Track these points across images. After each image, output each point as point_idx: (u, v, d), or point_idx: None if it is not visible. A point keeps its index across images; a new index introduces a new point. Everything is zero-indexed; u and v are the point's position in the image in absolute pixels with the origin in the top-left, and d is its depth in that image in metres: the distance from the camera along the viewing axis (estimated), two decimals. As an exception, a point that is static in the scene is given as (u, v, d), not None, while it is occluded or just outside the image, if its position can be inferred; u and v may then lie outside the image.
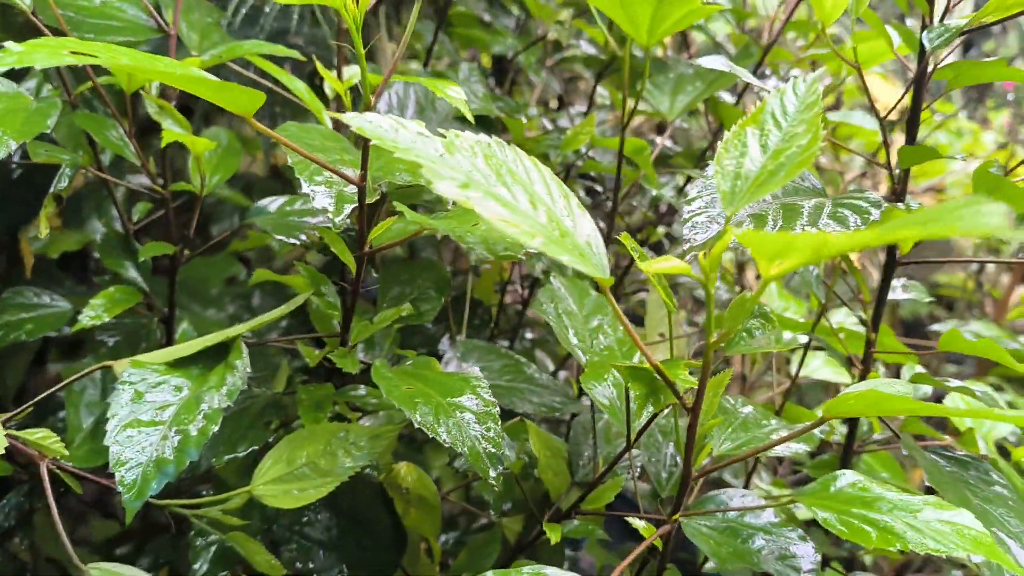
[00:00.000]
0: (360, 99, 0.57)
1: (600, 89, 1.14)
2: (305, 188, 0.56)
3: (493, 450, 0.57)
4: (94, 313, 0.65)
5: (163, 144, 0.61)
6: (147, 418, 0.52)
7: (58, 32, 0.65)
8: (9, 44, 0.40)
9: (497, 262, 1.12)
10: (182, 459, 0.51)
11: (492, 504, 0.72)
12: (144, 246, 0.66)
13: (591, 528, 0.68)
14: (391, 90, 0.87)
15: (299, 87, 0.70)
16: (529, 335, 1.15)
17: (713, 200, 0.49)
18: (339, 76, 0.77)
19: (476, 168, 0.41)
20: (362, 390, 0.68)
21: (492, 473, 0.55)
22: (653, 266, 0.40)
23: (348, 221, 0.56)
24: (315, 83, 0.88)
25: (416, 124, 0.42)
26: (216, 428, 0.53)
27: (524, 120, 0.98)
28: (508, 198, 0.41)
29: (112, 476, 0.65)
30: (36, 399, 0.62)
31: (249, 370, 0.55)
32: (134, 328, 0.73)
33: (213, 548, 0.65)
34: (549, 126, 1.06)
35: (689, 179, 1.00)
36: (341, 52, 0.76)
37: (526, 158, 0.44)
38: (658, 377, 0.50)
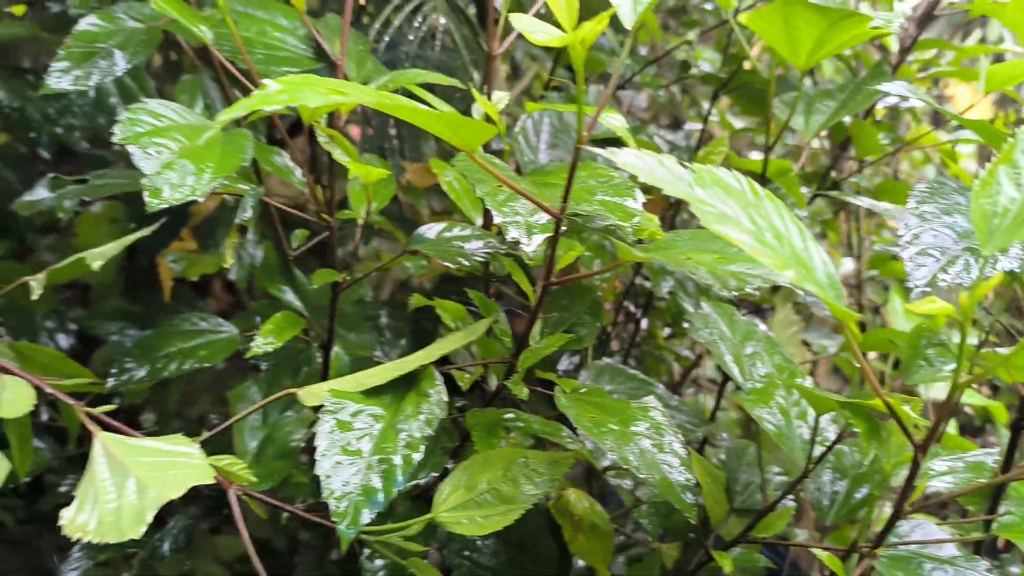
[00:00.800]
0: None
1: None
2: (497, 219, 0.56)
3: (682, 479, 0.57)
4: (266, 340, 0.66)
5: (350, 176, 0.62)
6: (352, 448, 0.53)
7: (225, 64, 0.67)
8: (269, 82, 0.41)
9: (612, 282, 1.12)
10: (390, 488, 0.52)
11: (650, 531, 0.71)
12: (316, 272, 0.67)
13: (756, 557, 0.68)
14: (525, 114, 0.88)
15: (440, 104, 0.70)
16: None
17: (943, 237, 0.49)
18: (489, 97, 0.78)
19: (727, 203, 0.41)
20: (510, 414, 0.68)
21: (689, 500, 0.55)
22: (922, 307, 0.39)
23: (537, 251, 0.56)
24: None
25: (671, 159, 0.42)
26: (419, 456, 0.53)
27: (646, 139, 0.98)
28: (755, 231, 0.41)
29: (284, 499, 0.66)
30: (224, 424, 0.63)
31: (445, 398, 0.56)
32: (291, 353, 0.74)
33: (383, 572, 0.65)
34: (664, 146, 1.06)
35: (814, 198, 1.00)
36: (491, 78, 0.76)
37: (759, 189, 0.44)
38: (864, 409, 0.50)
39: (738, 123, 1.34)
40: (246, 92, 0.75)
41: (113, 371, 0.67)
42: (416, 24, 0.82)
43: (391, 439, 0.54)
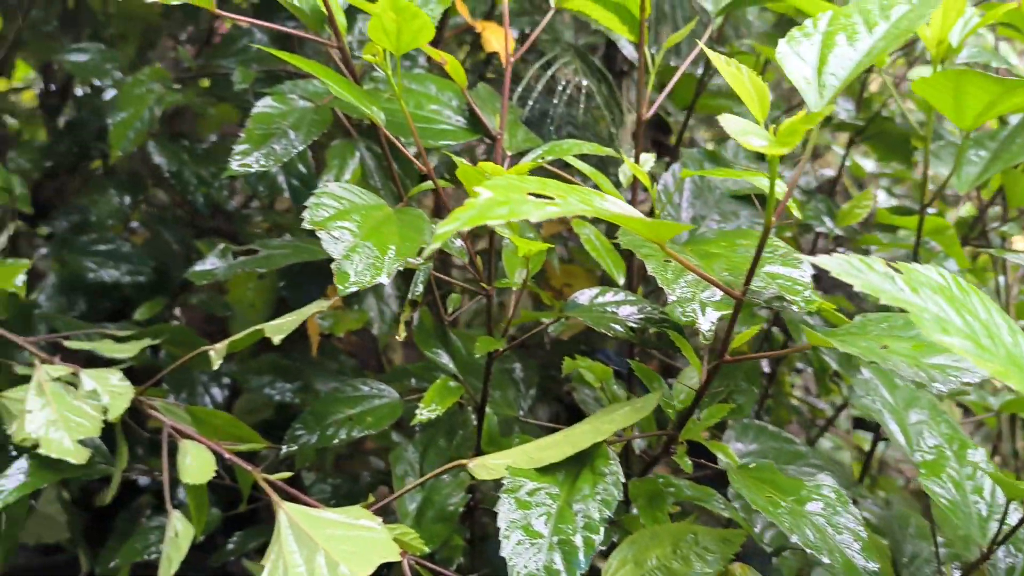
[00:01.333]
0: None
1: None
2: (671, 296, 0.57)
3: (867, 564, 0.56)
4: (430, 408, 0.68)
5: (536, 253, 0.63)
6: (532, 527, 0.53)
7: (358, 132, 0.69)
8: (482, 191, 0.42)
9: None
10: (572, 570, 0.52)
11: (812, 603, 0.70)
12: (479, 340, 0.68)
13: (928, 635, 0.65)
14: (668, 172, 0.88)
15: (605, 183, 0.71)
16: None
17: None
18: (636, 160, 0.78)
19: (939, 305, 0.40)
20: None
21: (873, 587, 0.54)
22: None
23: (712, 329, 0.56)
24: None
25: (879, 262, 0.41)
26: (599, 539, 0.53)
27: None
28: (969, 333, 0.40)
29: (442, 561, 0.67)
30: (392, 497, 0.65)
31: (623, 479, 0.56)
32: (446, 416, 0.75)
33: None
34: (796, 192, 1.04)
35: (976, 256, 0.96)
36: (639, 140, 0.77)
37: (963, 283, 0.43)
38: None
39: (867, 165, 1.31)
40: (403, 162, 0.77)
41: (285, 438, 0.69)
42: (560, 87, 0.83)
43: (569, 519, 0.54)
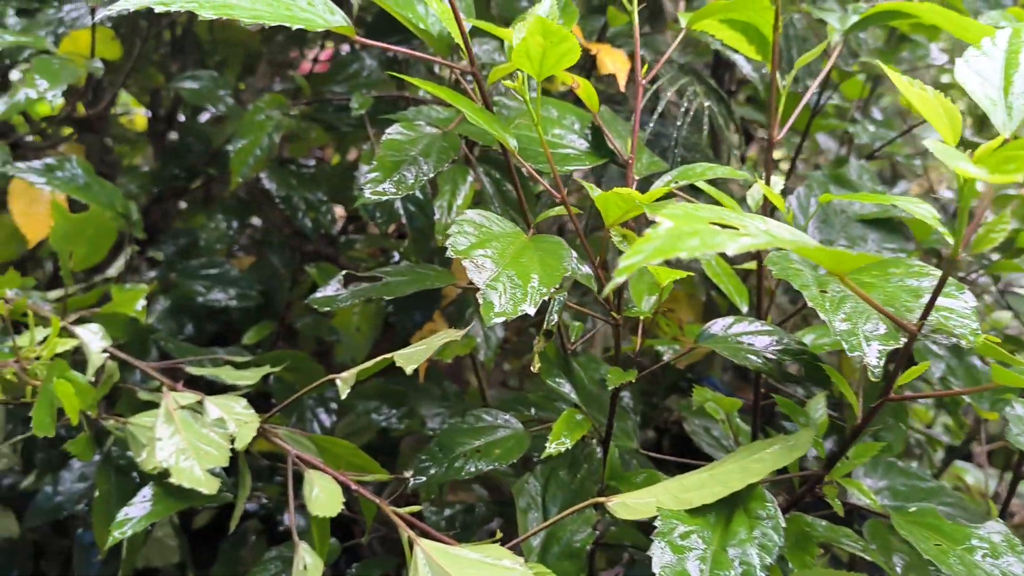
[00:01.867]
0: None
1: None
2: (836, 327, 0.54)
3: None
4: (559, 442, 0.66)
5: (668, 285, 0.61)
6: (688, 572, 0.51)
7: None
8: (662, 221, 0.40)
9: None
10: (732, 620, 0.49)
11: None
12: (610, 371, 0.66)
13: None
14: (792, 195, 0.85)
15: (735, 207, 0.68)
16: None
17: None
18: (767, 182, 0.75)
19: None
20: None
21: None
22: None
23: (880, 365, 0.53)
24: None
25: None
26: (760, 587, 0.50)
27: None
28: None
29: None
30: (522, 538, 0.63)
31: (783, 523, 0.53)
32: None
33: None
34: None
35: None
36: (769, 163, 0.74)
37: None
38: None
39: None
40: (520, 186, 0.76)
41: (412, 471, 0.68)
42: (683, 108, 0.81)
43: (725, 564, 0.51)
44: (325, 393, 0.97)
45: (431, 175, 0.66)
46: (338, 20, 0.58)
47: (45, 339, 0.75)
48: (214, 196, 1.16)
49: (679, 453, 1.18)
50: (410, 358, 0.65)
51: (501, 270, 0.56)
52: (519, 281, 0.55)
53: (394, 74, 0.65)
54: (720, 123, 0.82)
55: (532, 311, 0.54)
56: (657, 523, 0.53)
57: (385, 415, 0.94)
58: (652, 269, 0.63)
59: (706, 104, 0.82)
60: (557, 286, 0.55)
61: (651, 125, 0.82)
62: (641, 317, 0.71)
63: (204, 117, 1.26)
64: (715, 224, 0.41)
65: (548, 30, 0.53)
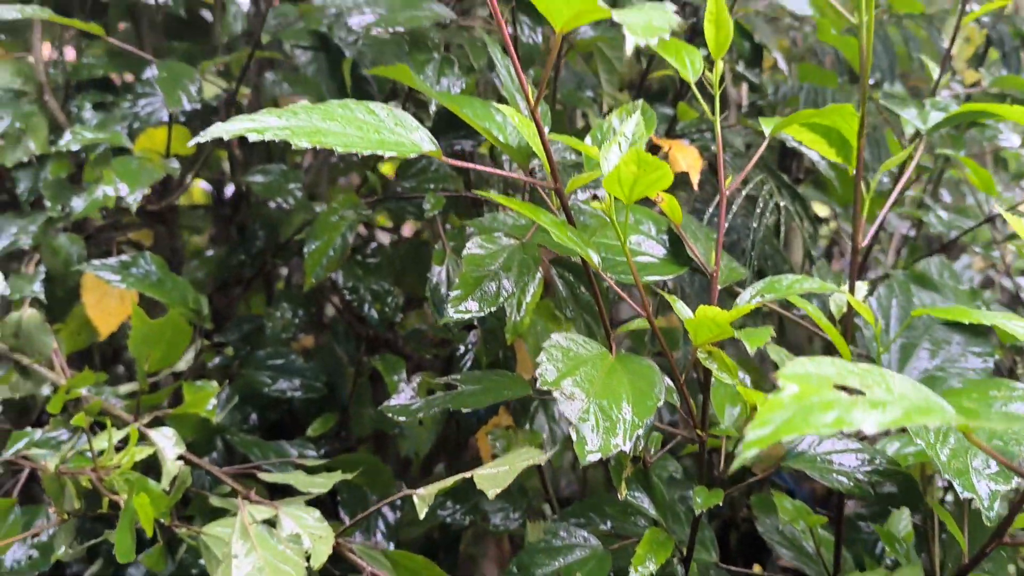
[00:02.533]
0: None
1: None
2: (945, 463, 0.51)
3: None
4: (644, 567, 0.63)
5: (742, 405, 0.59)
6: None
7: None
8: (787, 388, 0.38)
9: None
10: None
11: None
12: (697, 491, 0.64)
13: None
14: (872, 297, 0.83)
15: (824, 321, 0.67)
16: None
17: None
18: (852, 290, 0.73)
19: None
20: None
21: None
22: None
23: (995, 508, 0.50)
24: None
25: None
26: None
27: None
28: None
29: None
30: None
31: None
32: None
33: None
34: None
35: None
36: (854, 270, 0.72)
37: None
38: None
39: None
40: (599, 294, 0.75)
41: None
42: (759, 209, 0.80)
43: None
44: (390, 490, 0.96)
45: (512, 291, 0.65)
46: (427, 144, 0.58)
47: (122, 442, 0.75)
48: (275, 283, 1.17)
49: (749, 550, 1.14)
50: (492, 480, 0.63)
51: (591, 400, 0.55)
52: (613, 411, 0.54)
53: (480, 192, 0.65)
54: (799, 223, 0.80)
55: (627, 448, 0.52)
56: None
57: (450, 510, 0.93)
58: (741, 390, 0.62)
59: (782, 204, 0.80)
60: (651, 418, 0.54)
61: (725, 225, 0.81)
62: (726, 436, 0.69)
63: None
64: (839, 387, 0.40)
65: (643, 161, 0.52)
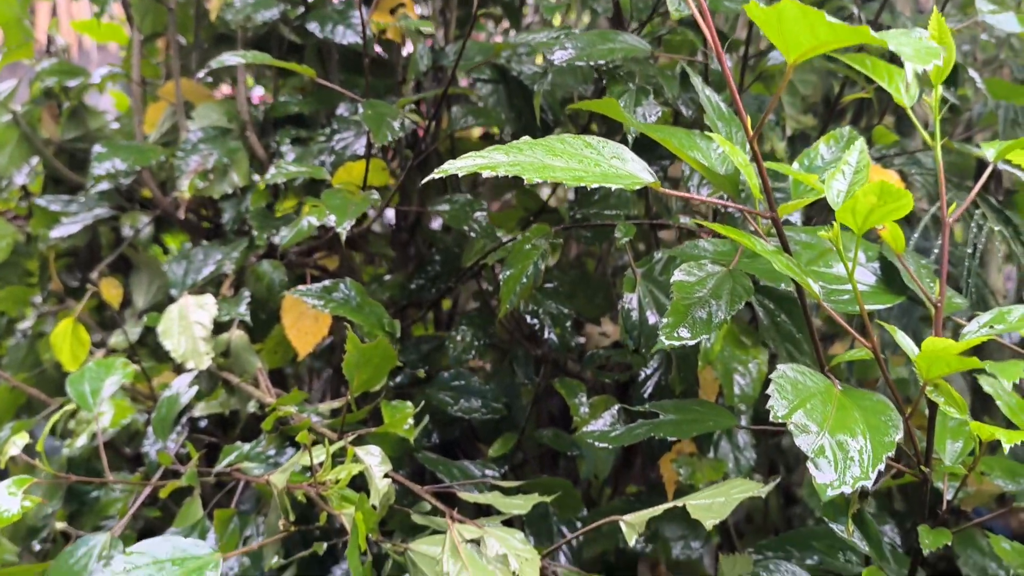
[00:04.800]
0: None
1: None
2: None
3: None
4: None
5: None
6: None
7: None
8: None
9: None
10: None
11: None
12: (922, 530, 0.62)
13: None
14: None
15: None
16: None
17: None
18: None
19: None
20: None
21: None
22: None
23: None
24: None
25: None
26: None
27: None
28: None
29: None
30: None
31: None
32: None
33: None
34: None
35: None
36: None
37: None
38: None
39: None
40: (797, 320, 0.73)
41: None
42: (971, 235, 0.76)
43: None
44: (577, 513, 0.97)
45: (723, 317, 0.65)
46: (646, 176, 0.59)
47: (335, 460, 0.79)
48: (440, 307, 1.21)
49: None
50: (708, 511, 0.63)
51: (826, 435, 0.54)
52: (849, 447, 0.53)
53: (691, 221, 0.65)
54: (1014, 246, 0.76)
55: (870, 484, 0.51)
56: None
57: (637, 540, 0.93)
58: (973, 425, 0.59)
59: (996, 228, 0.77)
60: (891, 454, 0.52)
61: (935, 252, 0.78)
62: (947, 473, 0.66)
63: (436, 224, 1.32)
64: None
65: (886, 192, 0.51)
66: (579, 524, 0.97)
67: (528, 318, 0.99)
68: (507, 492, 0.81)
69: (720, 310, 0.65)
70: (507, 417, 1.06)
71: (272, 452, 0.90)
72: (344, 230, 0.85)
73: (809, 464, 0.52)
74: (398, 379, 1.11)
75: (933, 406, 0.62)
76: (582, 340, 1.18)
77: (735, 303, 0.65)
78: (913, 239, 0.81)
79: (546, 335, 1.00)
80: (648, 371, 0.95)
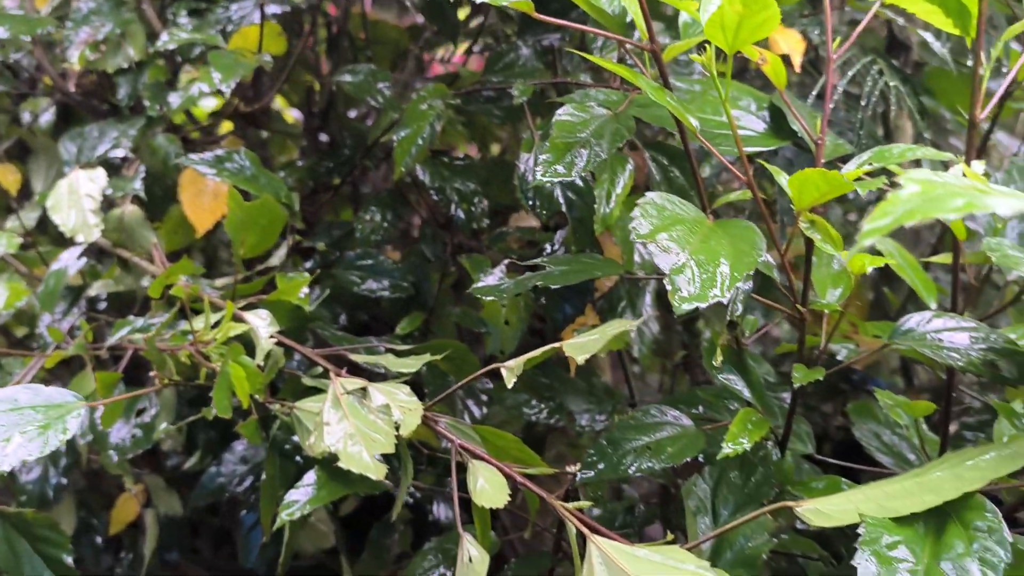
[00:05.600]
0: None
1: None
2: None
3: None
4: (737, 440, 0.62)
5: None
6: (900, 587, 0.46)
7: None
8: (907, 183, 0.36)
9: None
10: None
11: None
12: (796, 368, 0.62)
13: None
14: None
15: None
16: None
17: None
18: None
19: None
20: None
21: None
22: None
23: None
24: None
25: None
26: (986, 608, 0.45)
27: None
28: None
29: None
30: (701, 540, 0.60)
31: (1009, 538, 0.48)
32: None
33: None
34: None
35: None
36: (971, 146, 0.67)
37: None
38: None
39: None
40: (687, 173, 0.72)
41: (580, 466, 0.66)
42: (866, 88, 0.75)
43: (939, 580, 0.47)
44: (476, 385, 0.96)
45: (604, 156, 0.63)
46: None
47: (217, 323, 0.77)
48: (361, 191, 1.18)
49: (843, 459, 1.11)
50: (581, 348, 0.62)
51: (688, 255, 0.53)
52: (708, 266, 0.52)
53: (577, 52, 0.63)
54: (909, 105, 0.75)
55: (725, 299, 0.50)
56: (861, 531, 0.49)
57: (535, 409, 0.92)
58: (844, 254, 0.59)
59: (892, 84, 0.76)
60: (751, 272, 0.51)
61: (831, 106, 0.77)
62: (827, 312, 0.66)
63: (352, 114, 1.28)
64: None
65: (750, 1, 0.49)
66: (484, 398, 0.97)
67: (434, 194, 0.97)
68: (400, 355, 0.80)
69: (602, 150, 0.64)
70: (417, 298, 1.05)
71: (159, 321, 0.88)
72: (228, 88, 0.81)
73: (667, 281, 0.51)
74: (308, 264, 1.09)
75: (809, 243, 0.62)
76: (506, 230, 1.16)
77: (616, 142, 0.64)
78: (812, 97, 0.80)
79: (453, 211, 0.98)
80: (553, 246, 0.94)
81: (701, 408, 0.73)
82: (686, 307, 0.50)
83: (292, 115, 1.41)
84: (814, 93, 0.78)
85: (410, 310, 1.04)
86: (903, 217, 0.33)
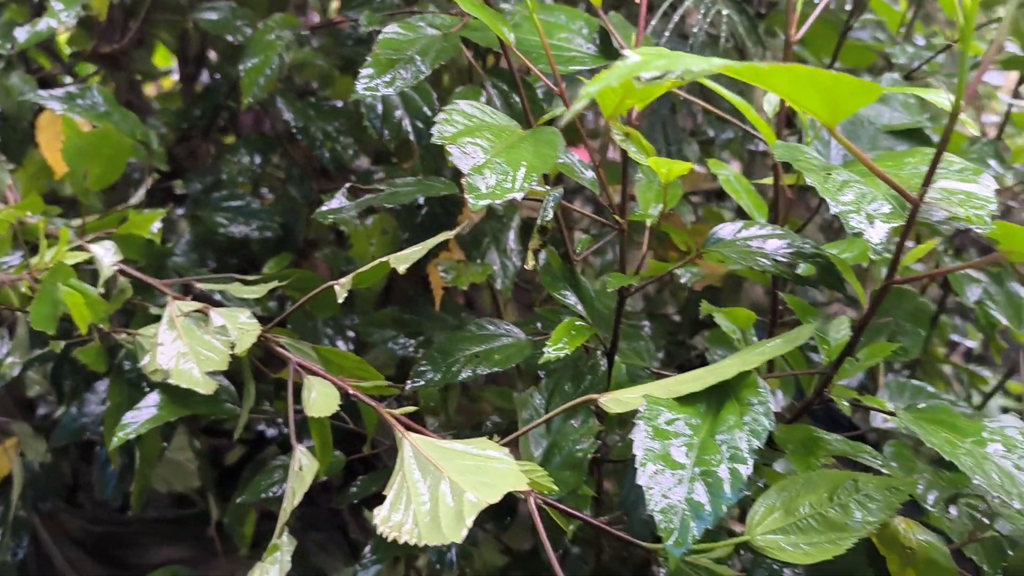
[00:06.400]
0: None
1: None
2: (833, 208, 0.51)
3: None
4: (557, 347, 0.64)
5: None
6: (673, 458, 0.49)
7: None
8: (630, 53, 0.38)
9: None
10: (718, 504, 0.47)
11: (987, 570, 0.62)
12: (611, 276, 0.64)
13: None
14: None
15: (750, 111, 0.66)
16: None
17: None
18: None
19: None
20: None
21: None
22: None
23: (883, 242, 0.50)
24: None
25: None
26: (748, 471, 0.48)
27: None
28: None
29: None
30: (517, 434, 0.62)
31: (774, 407, 0.51)
32: (572, 360, 0.71)
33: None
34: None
35: None
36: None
37: None
38: None
39: None
40: (530, 94, 0.74)
41: (411, 375, 0.67)
42: (701, 15, 0.78)
43: (713, 450, 0.50)
44: (343, 321, 0.97)
45: (427, 73, 0.64)
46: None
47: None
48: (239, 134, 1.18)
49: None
50: (404, 259, 0.64)
51: (490, 158, 0.54)
52: (508, 168, 0.54)
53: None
54: (740, 32, 0.78)
55: (519, 196, 0.52)
56: (641, 408, 0.52)
57: (402, 345, 0.94)
58: (655, 163, 0.61)
59: (724, 13, 0.79)
60: (548, 171, 0.53)
61: (666, 35, 0.80)
62: (648, 223, 0.69)
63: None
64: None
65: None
66: (351, 334, 0.98)
67: (298, 134, 0.98)
68: (249, 284, 0.80)
69: (425, 67, 0.65)
70: (287, 240, 1.05)
71: (15, 260, 0.86)
72: (69, 18, 0.80)
73: (464, 181, 0.52)
74: (180, 212, 1.08)
75: (625, 155, 0.64)
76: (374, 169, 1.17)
77: (440, 59, 0.65)
78: (666, 34, 0.82)
79: (317, 150, 0.98)
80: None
81: (540, 325, 0.75)
82: (482, 203, 0.51)
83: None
84: (654, 21, 0.81)
85: (280, 252, 1.04)
86: (623, 74, 0.36)
